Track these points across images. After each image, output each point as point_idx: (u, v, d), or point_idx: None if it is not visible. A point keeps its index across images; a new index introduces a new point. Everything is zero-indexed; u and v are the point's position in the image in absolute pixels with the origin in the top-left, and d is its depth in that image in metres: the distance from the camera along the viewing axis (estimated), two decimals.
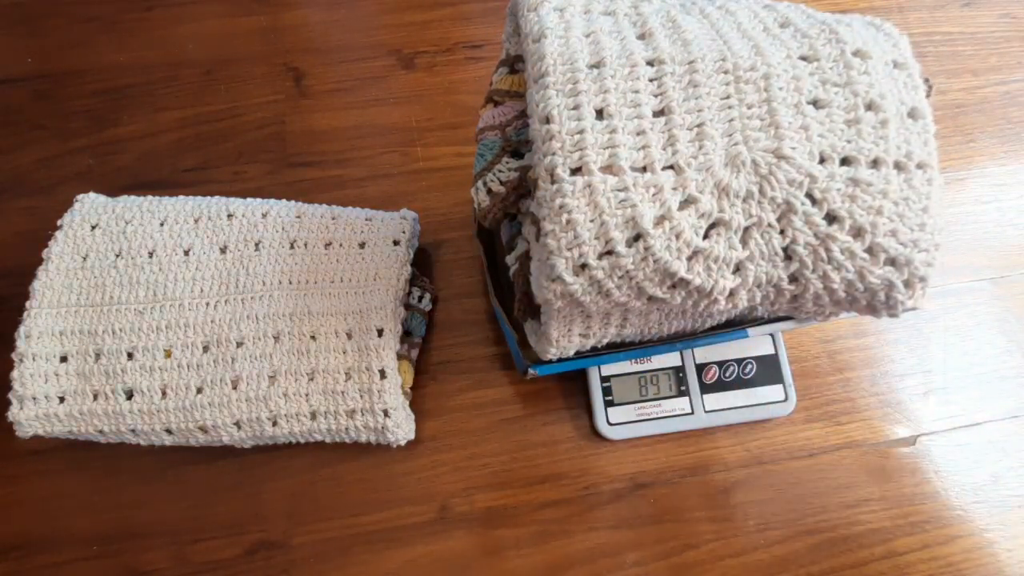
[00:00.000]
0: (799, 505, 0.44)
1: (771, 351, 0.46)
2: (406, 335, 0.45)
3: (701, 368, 0.45)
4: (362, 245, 0.44)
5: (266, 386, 0.40)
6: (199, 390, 0.40)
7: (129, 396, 0.40)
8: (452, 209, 0.51)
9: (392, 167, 0.53)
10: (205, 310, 0.41)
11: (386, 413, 0.40)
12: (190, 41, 0.57)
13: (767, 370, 0.45)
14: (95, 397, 0.40)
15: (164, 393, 0.40)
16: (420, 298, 0.46)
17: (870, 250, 0.27)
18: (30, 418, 0.39)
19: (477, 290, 0.49)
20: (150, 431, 0.40)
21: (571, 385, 0.46)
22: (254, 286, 0.42)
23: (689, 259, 0.27)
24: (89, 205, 0.44)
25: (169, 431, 0.40)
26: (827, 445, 0.46)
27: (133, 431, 0.40)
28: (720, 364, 0.45)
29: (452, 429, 0.45)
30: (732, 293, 0.29)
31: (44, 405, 0.40)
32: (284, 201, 0.46)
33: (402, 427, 0.41)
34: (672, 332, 0.39)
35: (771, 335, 0.46)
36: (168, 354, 0.40)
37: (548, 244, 0.28)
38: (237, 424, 0.40)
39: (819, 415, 0.46)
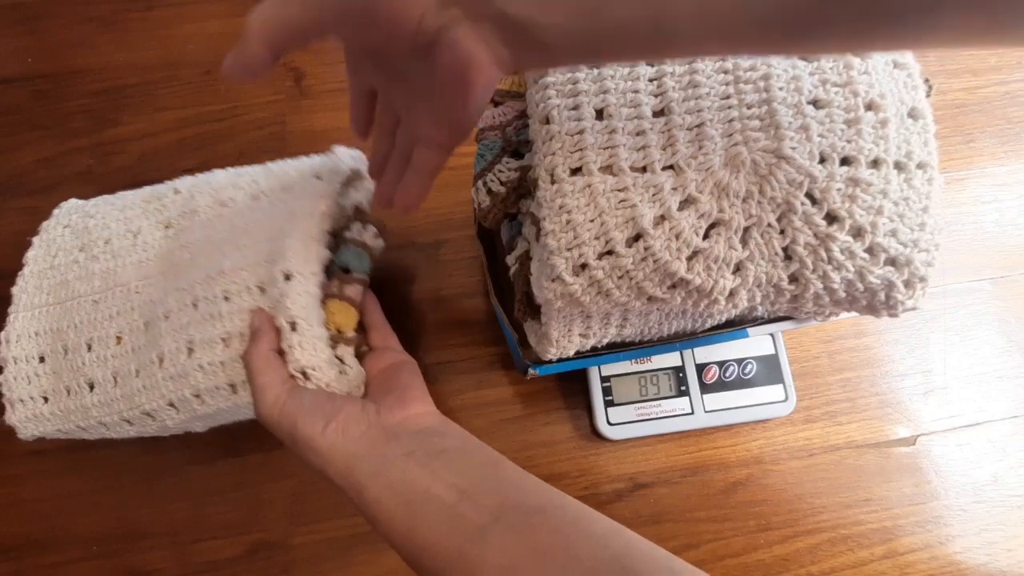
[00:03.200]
0: (799, 505, 0.44)
1: (771, 351, 0.46)
2: (344, 272, 0.38)
3: (701, 368, 0.45)
4: (286, 191, 0.41)
5: (184, 359, 0.36)
6: (137, 373, 0.38)
7: (92, 388, 0.39)
8: (452, 209, 0.51)
9: None
10: (147, 290, 0.40)
11: (305, 375, 0.34)
12: (190, 41, 0.57)
13: (767, 370, 0.45)
14: (68, 393, 0.39)
15: (115, 381, 0.39)
16: (361, 231, 0.40)
17: (870, 250, 0.27)
18: (23, 420, 0.39)
19: (477, 290, 0.49)
20: (113, 423, 0.39)
21: (571, 385, 0.46)
22: (183, 255, 0.40)
23: (689, 259, 0.27)
24: (66, 209, 0.44)
25: (129, 421, 0.39)
26: (827, 445, 0.46)
27: (104, 424, 0.39)
28: (720, 364, 0.45)
29: None
30: (732, 293, 0.29)
31: (31, 406, 0.40)
32: (236, 168, 0.44)
33: (340, 383, 0.35)
34: (672, 332, 0.39)
35: (771, 335, 0.46)
36: (119, 340, 0.39)
37: (548, 244, 0.28)
38: (172, 405, 0.37)
39: (819, 415, 0.46)
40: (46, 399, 0.40)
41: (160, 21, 0.58)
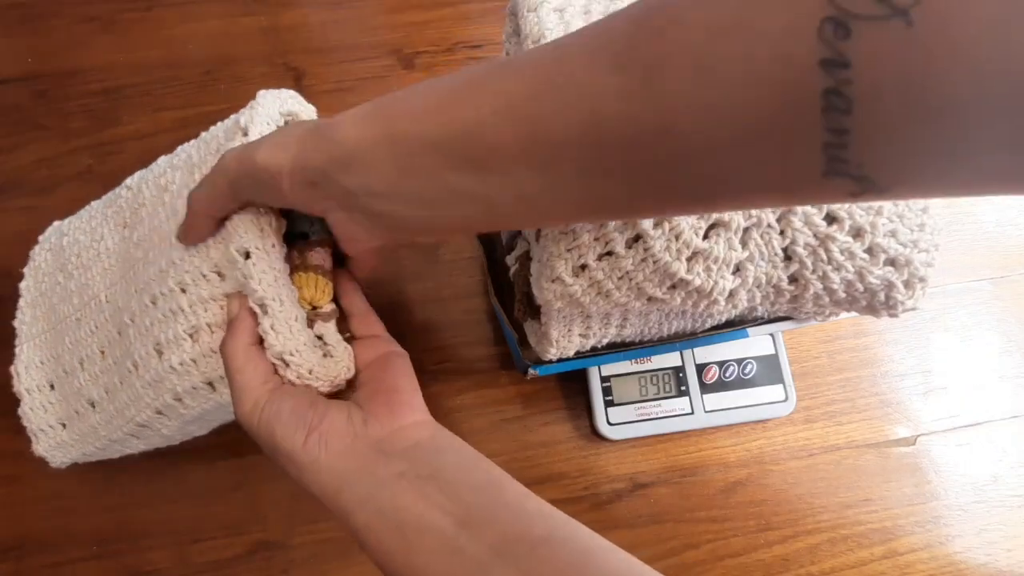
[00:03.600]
0: (799, 505, 0.44)
1: (771, 351, 0.46)
2: (300, 238, 0.35)
3: (701, 368, 0.45)
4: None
5: (156, 363, 0.34)
6: (121, 385, 0.36)
7: (93, 407, 0.38)
8: None
9: None
10: (114, 297, 0.38)
11: (284, 362, 0.31)
12: (190, 41, 0.57)
13: (767, 370, 0.45)
14: (77, 415, 0.38)
15: (108, 396, 0.37)
16: None
17: (870, 250, 0.27)
18: (48, 449, 0.39)
19: (477, 290, 0.49)
20: (121, 438, 0.38)
21: (571, 385, 0.46)
22: (137, 253, 0.37)
23: (689, 260, 0.27)
24: (48, 233, 0.43)
25: (134, 436, 0.38)
26: (827, 445, 0.46)
27: (115, 441, 0.38)
28: (720, 364, 0.45)
29: (452, 429, 0.45)
30: (732, 294, 0.29)
31: (52, 434, 0.39)
32: (181, 147, 0.40)
33: (325, 367, 0.31)
34: (672, 332, 0.39)
35: (771, 335, 0.46)
36: (103, 355, 0.38)
37: (548, 245, 0.28)
38: (160, 412, 0.36)
39: (819, 415, 0.46)
40: (64, 425, 0.39)
41: (160, 21, 0.58)
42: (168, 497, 0.44)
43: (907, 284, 0.28)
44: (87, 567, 0.42)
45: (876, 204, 0.27)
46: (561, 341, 0.35)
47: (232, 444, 0.44)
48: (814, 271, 0.28)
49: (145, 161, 0.52)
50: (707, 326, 0.39)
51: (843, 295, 0.29)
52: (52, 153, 0.53)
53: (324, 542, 0.43)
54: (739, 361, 0.45)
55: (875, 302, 0.30)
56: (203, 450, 0.44)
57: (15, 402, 0.39)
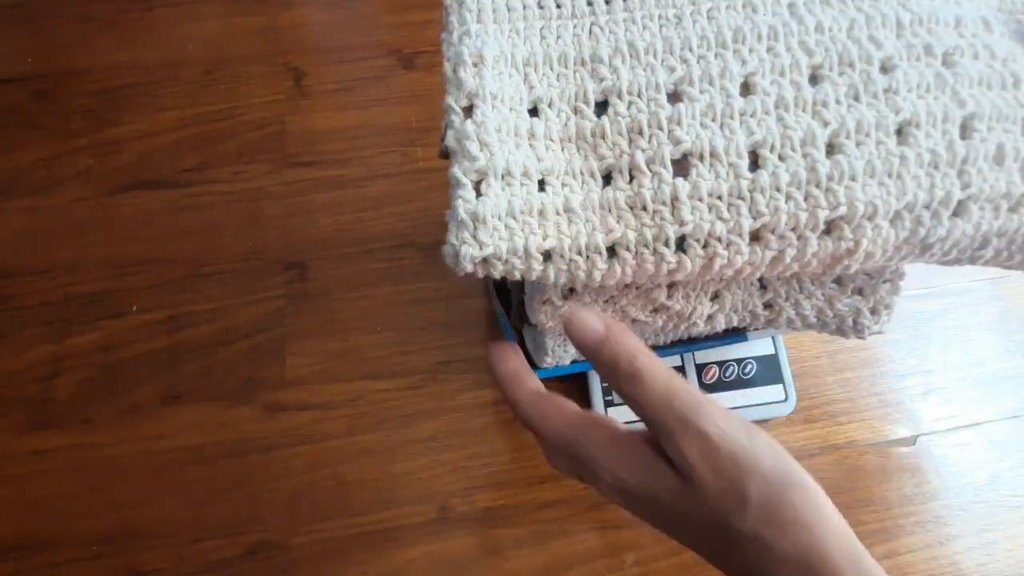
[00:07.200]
0: None
1: (771, 351, 0.46)
2: None
3: (701, 368, 0.45)
4: None
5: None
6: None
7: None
8: None
9: (392, 167, 0.53)
10: None
11: None
12: (190, 41, 0.57)
13: (767, 370, 0.45)
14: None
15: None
16: None
17: (838, 281, 0.30)
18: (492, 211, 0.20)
19: (477, 290, 0.49)
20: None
21: (571, 385, 0.46)
22: None
23: (669, 287, 0.28)
24: None
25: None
26: (827, 445, 0.46)
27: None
28: (720, 364, 0.45)
29: (452, 429, 0.45)
30: (711, 317, 0.30)
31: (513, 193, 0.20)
32: None
33: None
34: (668, 342, 0.39)
35: (771, 336, 0.46)
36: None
37: None
38: None
39: (819, 415, 0.46)
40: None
41: (160, 21, 0.58)
42: (168, 497, 0.44)
43: (873, 311, 0.31)
44: (87, 567, 0.42)
45: None
46: (557, 351, 0.35)
47: (232, 444, 0.44)
48: (787, 299, 0.30)
49: (145, 161, 0.52)
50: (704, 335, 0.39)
51: (814, 320, 0.31)
52: (52, 153, 0.53)
53: (324, 542, 0.43)
54: (739, 361, 0.45)
55: (844, 326, 0.32)
56: (203, 450, 0.44)
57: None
